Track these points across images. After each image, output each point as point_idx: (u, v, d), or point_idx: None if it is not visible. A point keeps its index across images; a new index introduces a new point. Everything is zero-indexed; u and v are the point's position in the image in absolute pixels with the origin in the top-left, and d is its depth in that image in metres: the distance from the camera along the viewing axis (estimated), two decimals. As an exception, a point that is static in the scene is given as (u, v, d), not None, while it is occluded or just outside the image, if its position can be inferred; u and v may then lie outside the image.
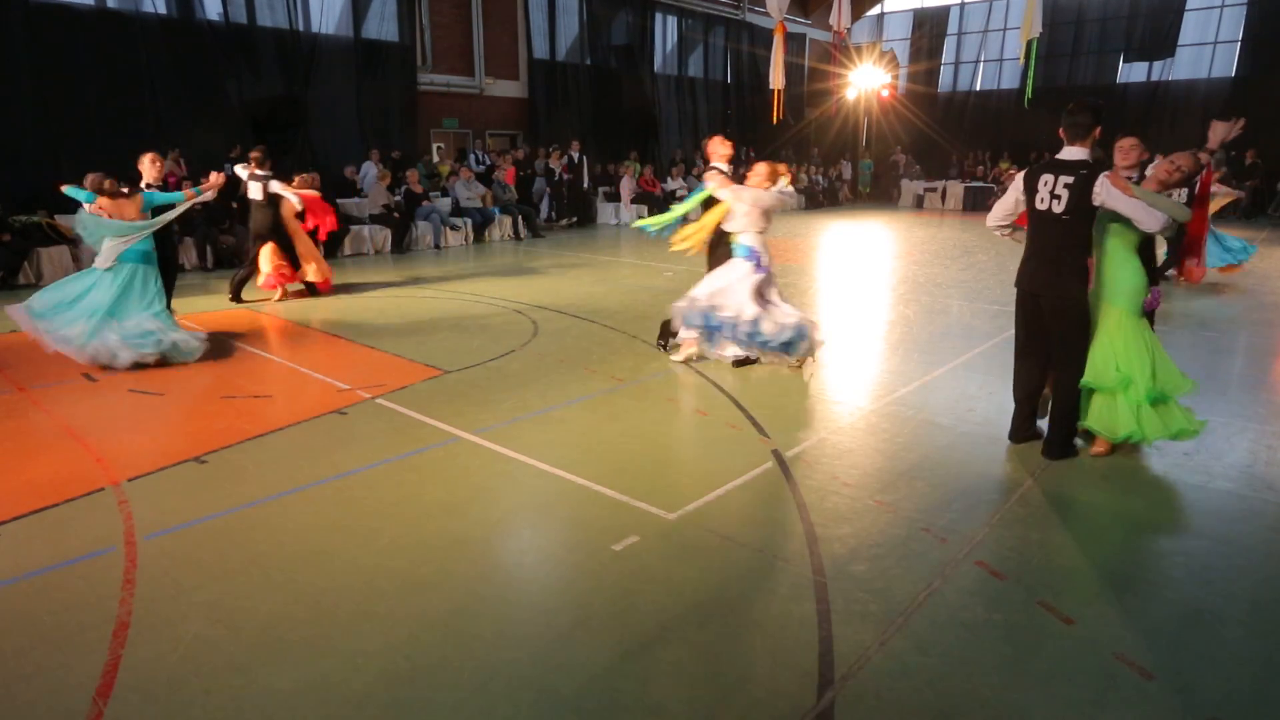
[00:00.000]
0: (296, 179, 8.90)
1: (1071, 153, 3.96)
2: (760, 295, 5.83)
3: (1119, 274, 4.09)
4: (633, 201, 17.19)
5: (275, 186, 8.37)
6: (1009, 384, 4.50)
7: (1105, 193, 3.82)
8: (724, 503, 3.75)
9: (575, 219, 16.65)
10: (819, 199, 22.53)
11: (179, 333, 6.14)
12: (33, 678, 2.51)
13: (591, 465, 4.18)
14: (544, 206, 16.25)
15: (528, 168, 16.14)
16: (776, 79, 15.87)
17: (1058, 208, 3.92)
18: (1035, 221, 4.09)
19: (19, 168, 10.54)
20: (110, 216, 6.17)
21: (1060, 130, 3.99)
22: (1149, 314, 4.29)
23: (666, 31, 20.69)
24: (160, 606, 2.91)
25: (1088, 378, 4.11)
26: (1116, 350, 4.08)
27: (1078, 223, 3.93)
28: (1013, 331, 4.43)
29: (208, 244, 11.13)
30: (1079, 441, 4.37)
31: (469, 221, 13.93)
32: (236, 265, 11.20)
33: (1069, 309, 4.04)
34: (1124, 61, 21.75)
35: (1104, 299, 4.14)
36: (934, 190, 22.26)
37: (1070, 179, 3.88)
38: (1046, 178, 3.97)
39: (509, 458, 4.30)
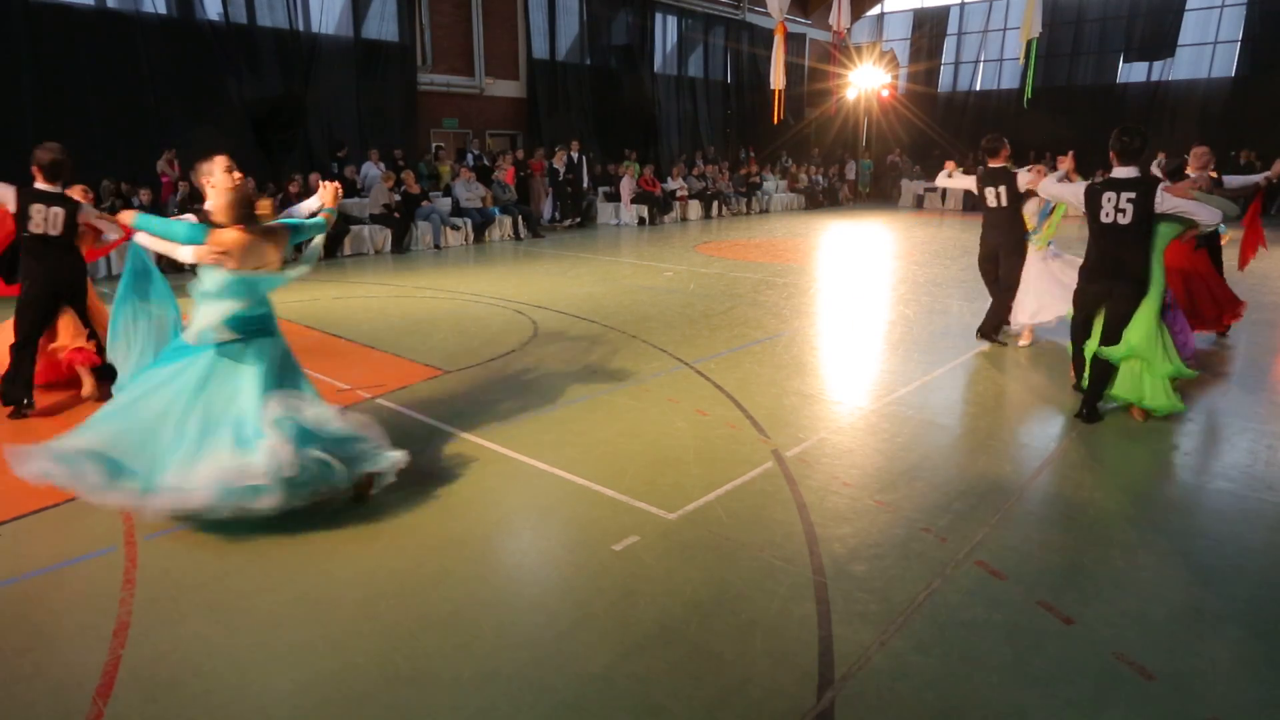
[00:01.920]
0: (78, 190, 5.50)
1: (1126, 171, 4.59)
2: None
3: (1156, 271, 4.69)
4: (633, 201, 17.19)
5: (94, 219, 5.07)
6: (1010, 384, 4.54)
7: (1165, 201, 4.47)
8: (724, 503, 3.75)
9: (579, 219, 16.65)
10: (819, 199, 22.54)
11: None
12: (33, 678, 2.51)
13: (591, 465, 4.18)
14: (547, 206, 16.25)
15: (527, 168, 16.14)
16: (777, 79, 15.87)
17: (1123, 220, 4.56)
18: (1100, 232, 4.71)
19: (19, 168, 10.52)
20: (235, 266, 3.42)
21: (1112, 151, 4.60)
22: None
23: (666, 31, 20.69)
24: (160, 606, 2.91)
25: (1130, 348, 4.67)
26: (1150, 331, 4.68)
27: (1140, 230, 4.57)
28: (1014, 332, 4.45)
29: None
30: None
31: (469, 221, 13.93)
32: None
33: (1131, 296, 4.67)
34: (1124, 61, 21.75)
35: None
36: (934, 190, 22.25)
37: (1133, 194, 4.52)
38: (1110, 195, 4.60)
39: (509, 458, 4.30)
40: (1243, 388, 5.72)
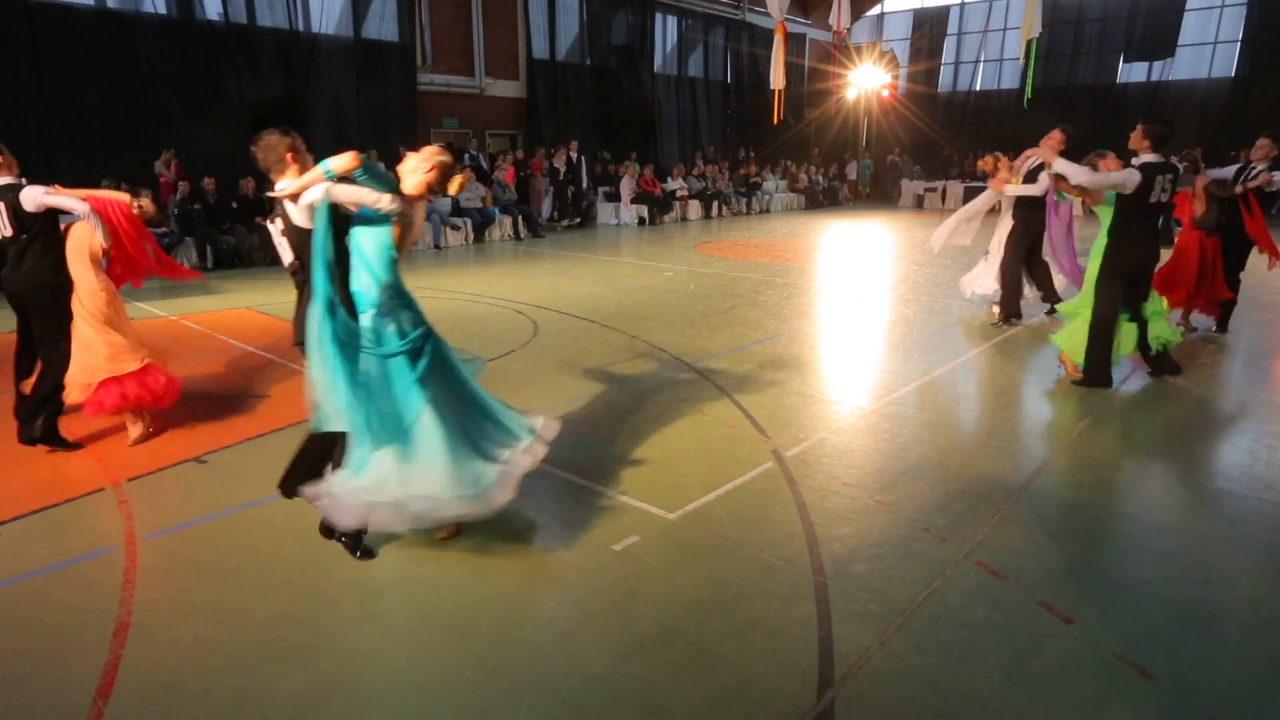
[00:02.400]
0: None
1: (1158, 156, 5.21)
2: None
3: None
4: (633, 201, 17.19)
5: (41, 196, 4.25)
6: (1010, 384, 4.55)
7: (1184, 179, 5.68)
8: (724, 503, 3.74)
9: (578, 220, 16.64)
10: (819, 199, 22.54)
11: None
12: (33, 678, 2.51)
13: (592, 465, 4.17)
14: (546, 205, 16.25)
15: (527, 167, 16.14)
16: (777, 79, 15.88)
17: (1165, 198, 5.31)
18: (1148, 211, 5.26)
19: (19, 168, 10.55)
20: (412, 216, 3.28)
21: (1147, 139, 5.18)
22: None
23: (666, 31, 20.69)
24: (160, 606, 2.91)
25: (1155, 296, 5.65)
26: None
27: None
28: (1008, 334, 4.80)
29: (208, 244, 11.13)
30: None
31: (469, 221, 13.94)
32: (238, 266, 11.25)
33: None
34: (1124, 61, 21.76)
35: None
36: (934, 190, 22.27)
37: (1171, 175, 5.29)
38: (1159, 177, 5.20)
39: (509, 458, 4.28)
40: (1243, 388, 5.72)
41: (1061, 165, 5.37)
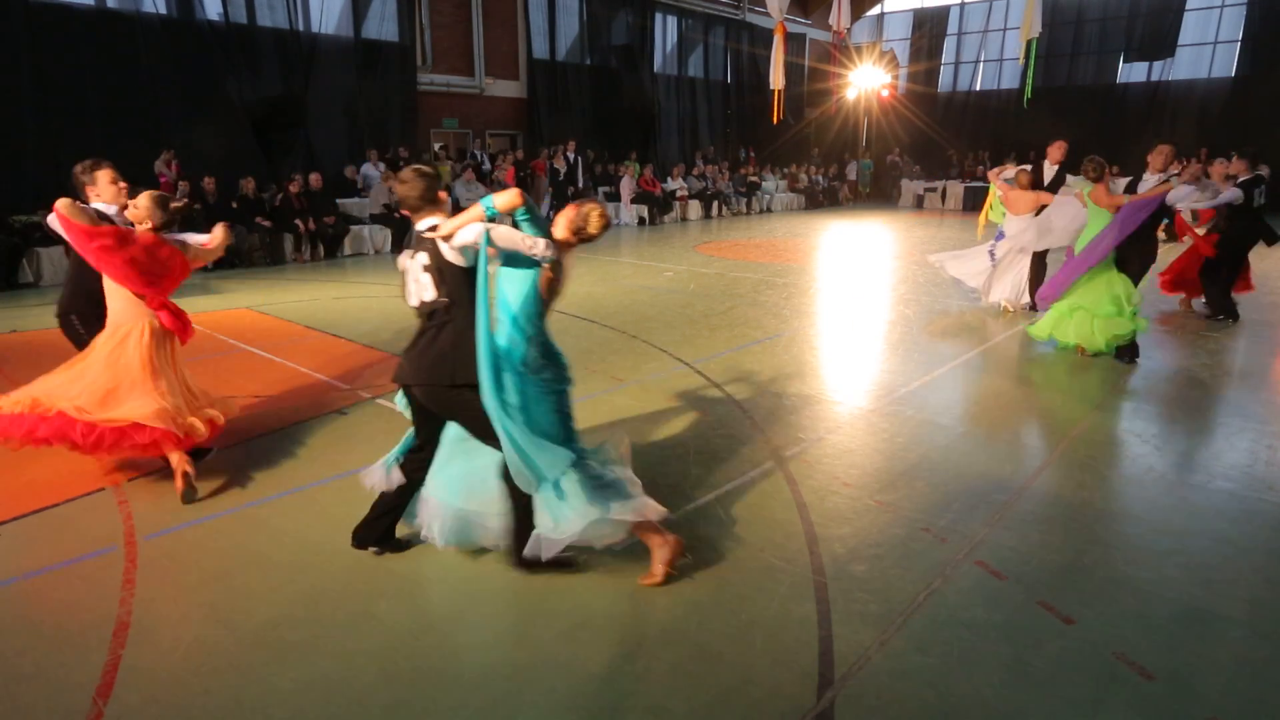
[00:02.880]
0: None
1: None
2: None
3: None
4: (633, 201, 17.19)
5: (54, 218, 3.77)
6: (1009, 384, 4.54)
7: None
8: (724, 503, 3.74)
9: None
10: (819, 199, 22.54)
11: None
12: (33, 678, 2.51)
13: (591, 465, 4.17)
14: (544, 206, 16.24)
15: (528, 167, 16.13)
16: (776, 79, 15.89)
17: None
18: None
19: (19, 168, 10.55)
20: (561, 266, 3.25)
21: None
22: None
23: (666, 31, 20.69)
24: (160, 606, 2.91)
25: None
26: None
27: None
28: (1007, 334, 4.63)
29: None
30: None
31: (469, 221, 13.90)
32: (238, 266, 11.24)
33: None
34: (1124, 61, 21.75)
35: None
36: (934, 190, 22.27)
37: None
38: None
39: (509, 458, 4.28)
40: (1243, 388, 5.72)
41: (1186, 195, 6.13)
